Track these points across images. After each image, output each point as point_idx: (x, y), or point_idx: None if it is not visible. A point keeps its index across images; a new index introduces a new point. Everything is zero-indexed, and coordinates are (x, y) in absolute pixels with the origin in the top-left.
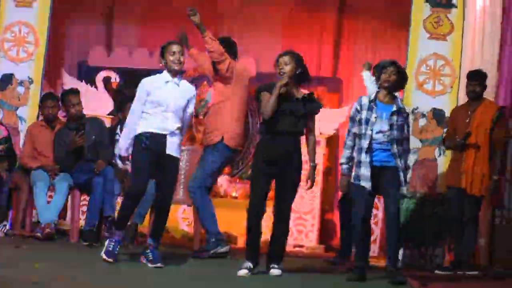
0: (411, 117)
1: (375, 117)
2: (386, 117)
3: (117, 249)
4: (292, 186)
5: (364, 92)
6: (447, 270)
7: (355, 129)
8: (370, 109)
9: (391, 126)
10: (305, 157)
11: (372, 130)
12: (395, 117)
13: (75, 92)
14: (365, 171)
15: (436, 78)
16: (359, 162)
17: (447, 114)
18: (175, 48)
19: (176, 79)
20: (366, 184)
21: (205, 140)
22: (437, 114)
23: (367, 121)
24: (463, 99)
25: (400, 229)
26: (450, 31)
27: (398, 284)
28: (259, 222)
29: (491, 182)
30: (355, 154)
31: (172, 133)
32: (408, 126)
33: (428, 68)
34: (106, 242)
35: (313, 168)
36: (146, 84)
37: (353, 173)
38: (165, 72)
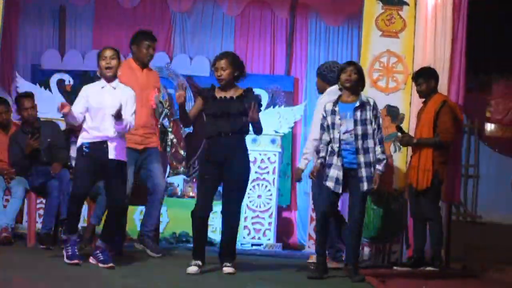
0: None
1: (339, 119)
2: (351, 116)
3: (76, 250)
4: (238, 185)
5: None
6: (405, 266)
7: (325, 136)
8: (333, 113)
9: (355, 122)
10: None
11: (339, 132)
12: (358, 113)
13: (28, 95)
14: (334, 174)
15: (390, 75)
16: (330, 164)
17: (401, 110)
18: (106, 53)
19: (113, 83)
20: (331, 185)
21: None
22: (391, 111)
23: (333, 125)
24: (416, 95)
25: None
26: (402, 28)
27: (358, 282)
28: (204, 221)
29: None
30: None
31: (113, 139)
32: (376, 118)
33: (381, 65)
34: (64, 251)
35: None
36: (86, 89)
37: (325, 174)
38: (101, 79)
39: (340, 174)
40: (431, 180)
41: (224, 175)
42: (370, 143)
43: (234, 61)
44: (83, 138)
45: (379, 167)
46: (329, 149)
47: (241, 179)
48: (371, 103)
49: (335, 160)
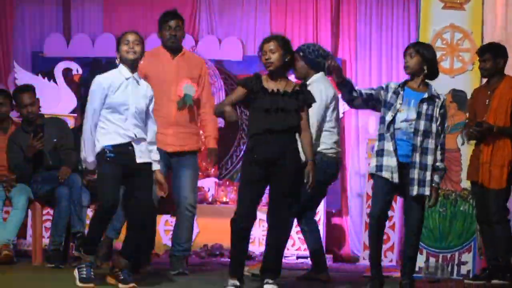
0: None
1: (400, 103)
2: (415, 104)
3: (91, 272)
4: (290, 189)
5: (369, 72)
6: (478, 279)
7: (376, 92)
8: (395, 93)
9: (418, 114)
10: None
11: (394, 116)
12: (424, 105)
13: (28, 89)
14: (390, 162)
15: (454, 54)
16: (381, 150)
17: (469, 95)
18: (129, 37)
19: (135, 75)
20: (389, 176)
21: None
22: (457, 96)
23: (390, 106)
24: None
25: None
26: None
27: None
28: (246, 232)
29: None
30: (376, 143)
31: (138, 140)
32: (443, 117)
33: (444, 42)
34: (76, 271)
35: (311, 165)
36: (103, 82)
37: (373, 164)
38: (121, 66)
39: (394, 161)
40: (507, 178)
41: (272, 177)
42: (431, 143)
43: (285, 43)
44: (102, 140)
45: (437, 179)
46: (377, 132)
47: (295, 181)
48: (441, 99)
49: (387, 145)
